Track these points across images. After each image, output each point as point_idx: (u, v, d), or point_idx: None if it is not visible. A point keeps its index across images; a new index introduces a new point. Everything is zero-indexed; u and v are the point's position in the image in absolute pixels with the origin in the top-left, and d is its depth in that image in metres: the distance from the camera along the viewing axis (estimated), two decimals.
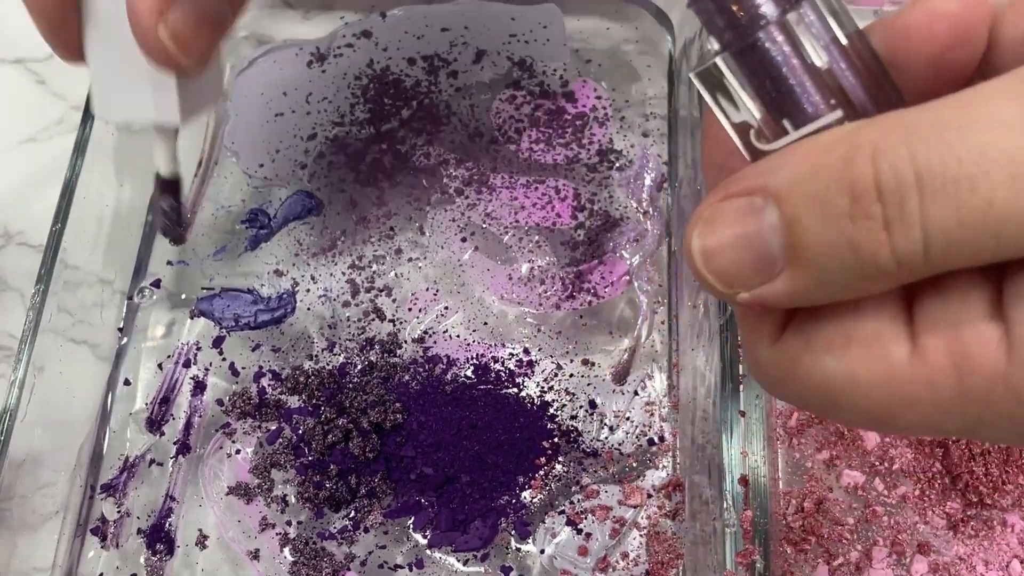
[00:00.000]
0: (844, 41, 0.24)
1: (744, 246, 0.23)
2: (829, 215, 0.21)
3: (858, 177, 0.21)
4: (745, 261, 0.24)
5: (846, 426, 0.52)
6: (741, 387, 0.48)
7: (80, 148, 0.55)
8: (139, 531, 0.52)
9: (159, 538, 0.52)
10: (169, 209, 0.46)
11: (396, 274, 0.57)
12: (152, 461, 0.54)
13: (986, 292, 0.22)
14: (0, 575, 0.49)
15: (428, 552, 0.51)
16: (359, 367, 0.55)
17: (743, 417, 0.48)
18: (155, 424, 0.54)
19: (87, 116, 0.56)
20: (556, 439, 0.53)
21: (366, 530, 0.51)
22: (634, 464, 0.53)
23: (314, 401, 0.53)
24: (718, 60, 0.24)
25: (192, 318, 0.57)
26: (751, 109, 0.24)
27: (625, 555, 0.51)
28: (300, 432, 0.53)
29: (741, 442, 0.47)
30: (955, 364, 0.22)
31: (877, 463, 0.52)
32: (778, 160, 0.23)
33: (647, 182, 0.59)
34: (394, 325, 0.56)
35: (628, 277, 0.56)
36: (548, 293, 0.56)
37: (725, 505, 0.46)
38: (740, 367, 0.49)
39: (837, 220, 0.21)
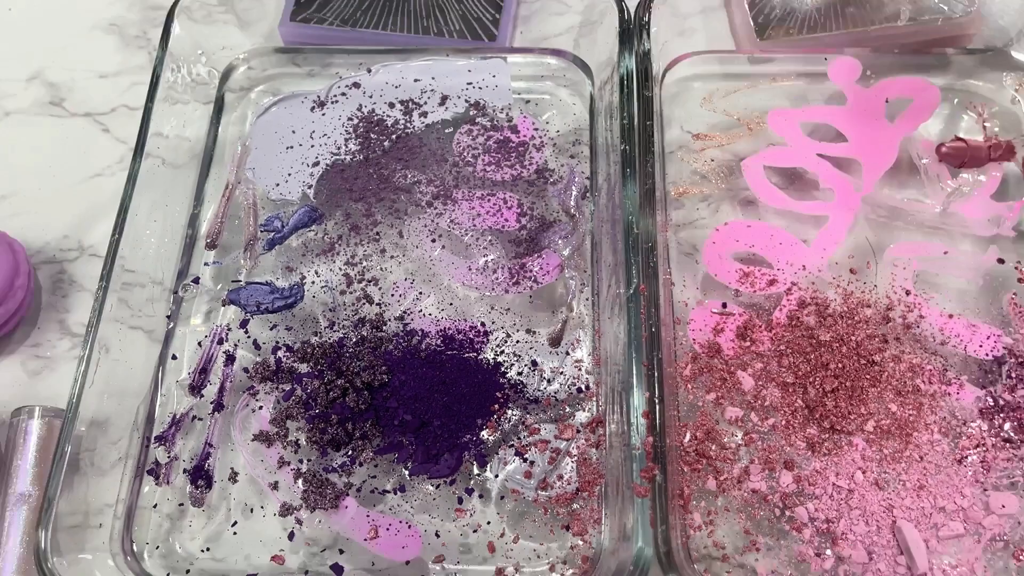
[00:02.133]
0: None
1: None
2: None
3: None
4: None
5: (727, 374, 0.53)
6: (644, 344, 0.49)
7: (132, 179, 0.56)
8: (184, 471, 0.53)
9: (200, 475, 0.52)
10: None
11: (381, 268, 0.58)
12: (194, 417, 0.54)
13: None
14: (80, 510, 0.50)
15: (409, 479, 0.51)
16: (353, 340, 0.55)
17: (646, 367, 0.49)
18: (196, 389, 0.55)
19: (137, 155, 0.57)
20: (506, 391, 0.53)
21: (361, 464, 0.52)
22: (566, 408, 0.53)
23: (319, 367, 0.54)
24: None
25: (224, 306, 0.57)
26: None
27: (560, 476, 0.51)
28: (308, 391, 0.53)
29: (645, 386, 0.48)
30: None
31: (752, 401, 0.52)
32: None
33: (574, 193, 0.60)
34: (380, 308, 0.56)
35: (561, 266, 0.57)
36: (499, 280, 0.57)
37: (633, 435, 0.47)
38: (642, 329, 0.50)
39: None
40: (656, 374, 0.48)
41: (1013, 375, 0.52)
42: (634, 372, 0.48)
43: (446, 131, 0.62)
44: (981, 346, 0.53)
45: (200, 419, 0.54)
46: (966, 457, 0.50)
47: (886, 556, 0.48)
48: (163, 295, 0.58)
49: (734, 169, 0.60)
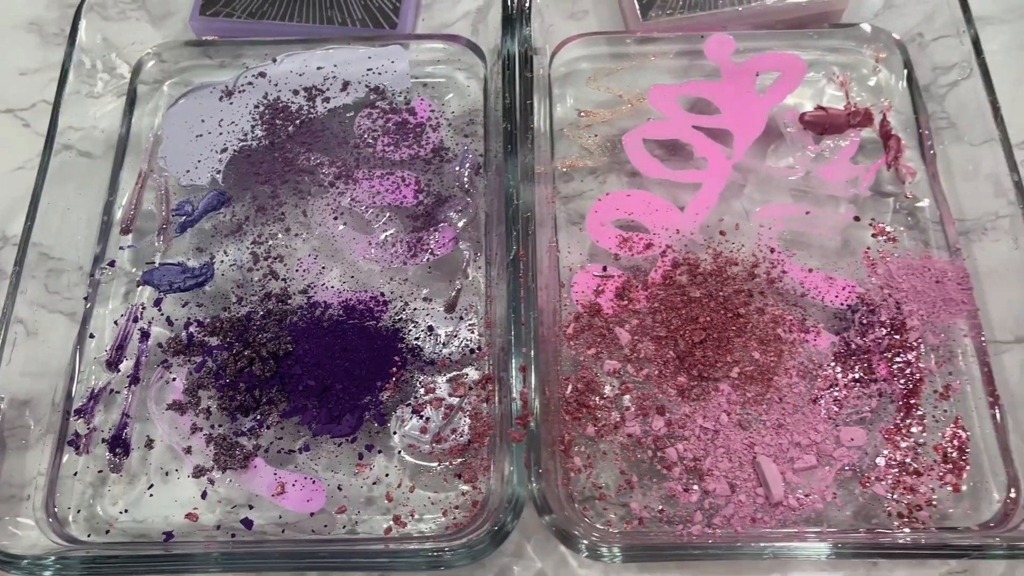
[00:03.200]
0: None
1: None
2: None
3: None
4: None
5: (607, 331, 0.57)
6: (522, 305, 0.53)
7: (43, 171, 0.59)
8: (103, 440, 0.56)
9: (118, 444, 0.55)
10: None
11: (286, 246, 0.61)
12: (112, 391, 0.57)
13: None
14: (15, 482, 0.53)
15: (314, 439, 0.55)
16: (260, 314, 0.58)
17: (524, 326, 0.53)
18: (113, 364, 0.58)
19: (48, 148, 0.60)
20: (404, 355, 0.57)
21: (268, 427, 0.55)
22: (460, 368, 0.57)
23: (228, 340, 0.57)
24: None
25: (138, 286, 0.60)
26: None
27: (454, 430, 0.55)
28: (218, 362, 0.57)
29: (523, 343, 0.52)
30: None
31: (629, 354, 0.57)
32: None
33: (467, 169, 0.64)
34: (285, 283, 0.60)
35: (455, 239, 0.61)
36: (398, 253, 0.61)
37: (511, 387, 0.51)
38: (521, 291, 0.54)
39: None
40: (532, 331, 0.52)
41: (864, 321, 0.57)
42: (512, 330, 0.52)
43: (347, 115, 0.66)
44: (837, 296, 0.58)
45: (117, 392, 0.57)
46: (820, 397, 0.55)
47: (747, 488, 0.53)
48: (83, 279, 0.61)
49: (617, 143, 0.65)
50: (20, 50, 0.73)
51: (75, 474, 0.55)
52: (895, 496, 0.52)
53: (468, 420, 0.55)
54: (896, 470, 0.53)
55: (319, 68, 0.67)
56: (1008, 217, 0.57)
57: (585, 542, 0.48)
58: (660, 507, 0.53)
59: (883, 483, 0.53)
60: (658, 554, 0.50)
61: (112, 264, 0.61)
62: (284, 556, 0.49)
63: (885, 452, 0.54)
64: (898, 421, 0.54)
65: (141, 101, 0.68)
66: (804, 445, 0.54)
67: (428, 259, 0.60)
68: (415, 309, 0.59)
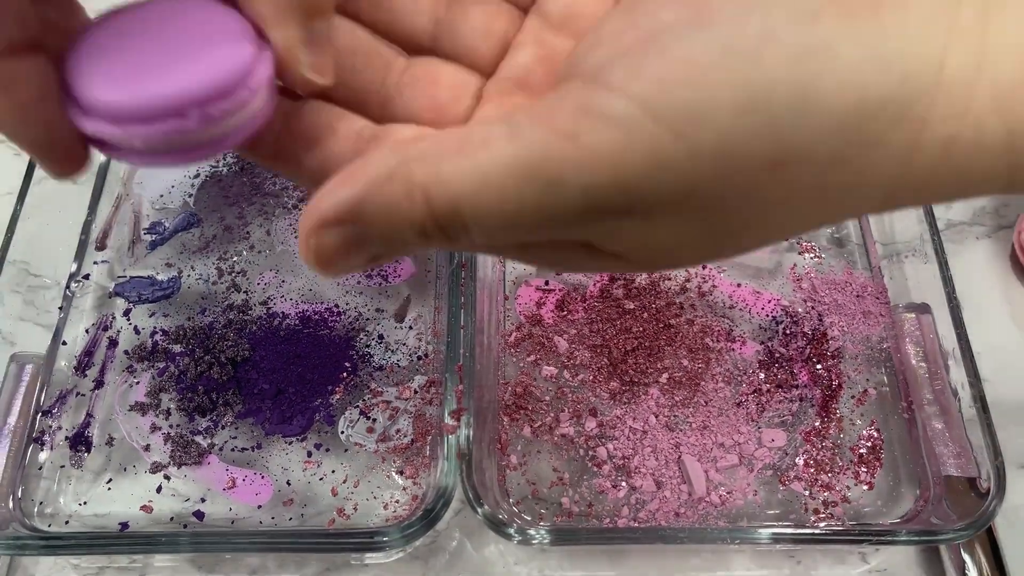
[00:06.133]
0: None
1: None
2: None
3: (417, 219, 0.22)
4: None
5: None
6: (462, 311, 0.59)
7: (21, 196, 0.65)
8: (66, 438, 0.61)
9: (80, 441, 0.60)
10: None
11: (249, 261, 0.67)
12: (78, 393, 0.62)
13: None
14: None
15: (266, 438, 0.60)
16: (222, 323, 0.64)
17: (463, 329, 0.58)
18: (81, 368, 0.63)
19: (28, 175, 0.66)
20: (355, 361, 0.62)
21: (223, 427, 0.60)
22: (407, 373, 0.62)
23: (190, 346, 0.63)
24: None
25: (110, 297, 0.66)
26: None
27: (399, 431, 0.60)
28: (180, 367, 0.62)
29: (462, 347, 0.58)
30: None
31: (566, 361, 0.62)
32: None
33: None
34: (247, 295, 0.65)
35: (412, 274, 0.66)
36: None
37: (448, 385, 0.56)
38: (461, 298, 0.59)
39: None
40: (471, 334, 0.58)
41: (787, 331, 0.62)
42: (451, 334, 0.57)
43: None
44: (763, 308, 0.63)
45: (83, 394, 0.62)
46: (744, 401, 0.60)
47: (671, 485, 0.57)
48: (60, 293, 0.67)
49: None
50: None
51: (40, 468, 0.60)
52: (812, 493, 0.57)
53: (412, 421, 0.60)
54: (813, 469, 0.57)
55: None
56: (925, 242, 0.62)
57: (512, 528, 0.52)
58: (589, 502, 0.57)
59: (801, 481, 0.57)
60: (584, 537, 0.54)
61: (87, 277, 0.67)
62: (227, 536, 0.53)
63: (804, 452, 0.58)
64: (817, 424, 0.59)
65: None
66: (727, 445, 0.58)
67: (379, 284, 0.65)
68: (367, 319, 0.64)
